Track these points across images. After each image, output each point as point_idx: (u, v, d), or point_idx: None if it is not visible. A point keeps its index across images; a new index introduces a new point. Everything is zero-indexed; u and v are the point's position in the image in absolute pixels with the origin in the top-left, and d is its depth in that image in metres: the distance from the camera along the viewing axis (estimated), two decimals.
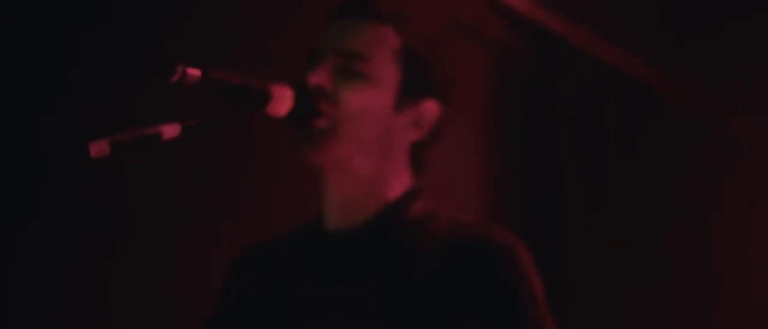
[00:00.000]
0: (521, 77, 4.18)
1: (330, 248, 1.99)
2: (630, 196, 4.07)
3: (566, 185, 4.17)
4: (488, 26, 4.06)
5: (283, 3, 3.50)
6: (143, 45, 3.25)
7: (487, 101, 4.05)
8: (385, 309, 1.89)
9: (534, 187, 4.17)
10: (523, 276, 1.89)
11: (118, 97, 3.23)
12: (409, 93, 2.00)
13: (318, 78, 1.96)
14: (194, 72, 1.80)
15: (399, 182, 2.01)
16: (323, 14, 3.51)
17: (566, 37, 4.09)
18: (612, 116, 4.12)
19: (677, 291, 3.99)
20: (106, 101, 3.22)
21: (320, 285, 1.96)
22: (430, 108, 2.03)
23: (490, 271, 1.87)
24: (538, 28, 4.13)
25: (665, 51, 3.95)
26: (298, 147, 1.96)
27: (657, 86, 4.05)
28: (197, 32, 3.32)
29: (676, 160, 4.01)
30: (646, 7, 4.02)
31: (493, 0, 4.06)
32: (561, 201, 4.19)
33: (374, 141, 1.97)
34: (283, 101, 1.90)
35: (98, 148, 1.76)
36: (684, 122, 4.03)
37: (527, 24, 4.15)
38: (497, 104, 4.08)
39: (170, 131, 1.82)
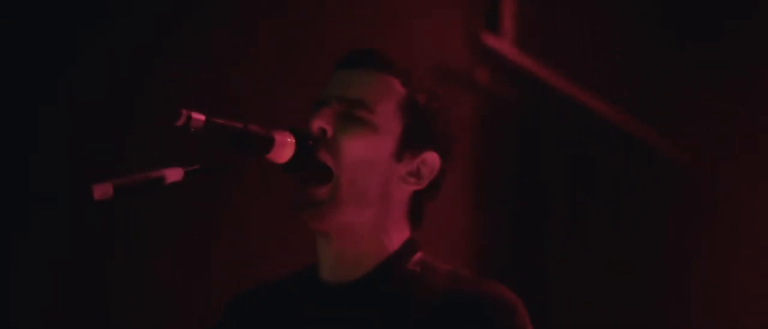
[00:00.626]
0: (508, 123, 4.19)
1: (328, 299, 1.99)
2: (615, 242, 4.08)
3: (552, 229, 4.19)
4: (476, 74, 4.07)
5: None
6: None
7: (475, 147, 4.06)
8: None
9: (520, 232, 4.19)
10: None
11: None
12: (410, 144, 2.01)
13: (320, 122, 1.96)
14: (198, 117, 1.79)
15: (397, 234, 2.02)
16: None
17: (553, 84, 4.10)
18: (597, 162, 4.12)
19: None
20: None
21: None
22: (431, 159, 2.03)
23: (487, 327, 1.89)
24: (525, 76, 4.15)
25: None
26: (300, 214, 1.96)
27: (639, 133, 4.07)
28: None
29: (660, 205, 4.01)
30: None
31: (481, 48, 4.06)
32: (546, 246, 4.20)
33: (374, 192, 1.97)
34: (284, 148, 1.90)
35: (102, 191, 1.76)
36: (667, 169, 4.04)
37: (514, 71, 4.16)
38: (484, 149, 4.10)
39: (173, 175, 1.82)
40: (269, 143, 1.88)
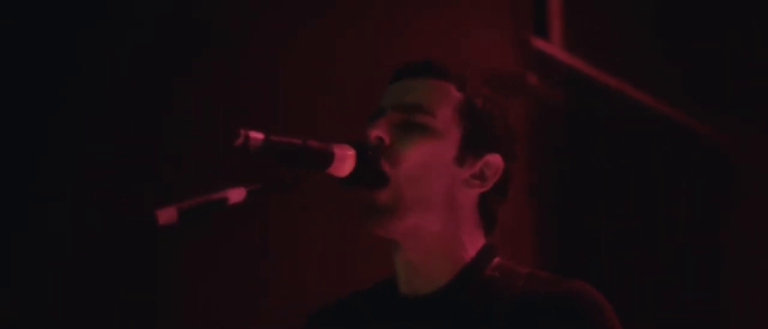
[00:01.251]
0: (558, 126, 4.19)
1: (407, 313, 1.97)
2: (668, 244, 4.08)
3: (603, 232, 4.17)
4: (526, 78, 4.08)
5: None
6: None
7: (525, 151, 4.07)
8: None
9: (571, 235, 4.17)
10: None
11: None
12: (471, 147, 1.99)
13: (377, 131, 1.95)
14: (256, 135, 1.76)
15: (472, 242, 1.99)
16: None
17: (603, 86, 4.11)
18: (649, 162, 4.12)
19: None
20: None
21: None
22: (493, 161, 2.01)
23: (577, 326, 1.86)
24: (575, 79, 4.15)
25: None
26: (364, 222, 1.94)
27: (694, 132, 4.07)
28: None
29: (720, 207, 4.00)
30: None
31: (530, 52, 4.07)
32: (598, 248, 4.20)
33: (438, 197, 1.96)
34: (345, 161, 1.88)
35: (166, 216, 1.74)
36: (726, 168, 4.03)
37: (564, 75, 4.16)
38: (535, 153, 4.09)
39: (235, 195, 1.80)
40: (329, 158, 1.86)
